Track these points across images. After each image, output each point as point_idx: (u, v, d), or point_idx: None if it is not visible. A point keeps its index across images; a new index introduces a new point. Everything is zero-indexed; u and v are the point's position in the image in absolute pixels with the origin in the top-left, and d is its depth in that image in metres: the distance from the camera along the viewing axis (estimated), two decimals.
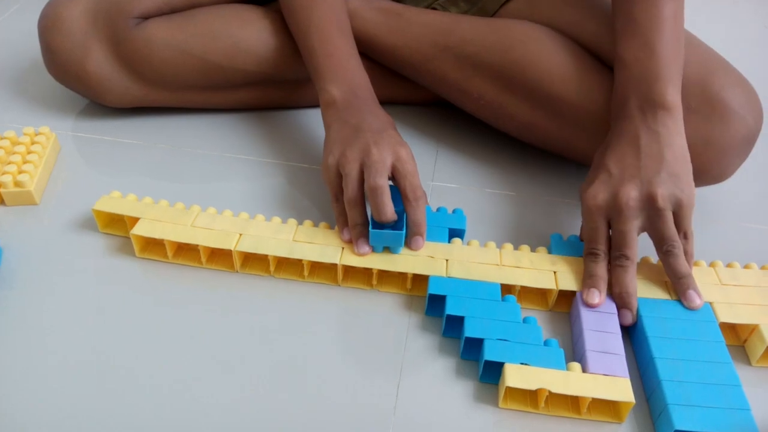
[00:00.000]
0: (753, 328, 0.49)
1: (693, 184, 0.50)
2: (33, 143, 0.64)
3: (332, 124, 0.57)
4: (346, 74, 0.60)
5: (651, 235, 0.51)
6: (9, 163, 0.61)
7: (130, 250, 0.55)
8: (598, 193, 0.51)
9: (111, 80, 0.67)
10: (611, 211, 0.51)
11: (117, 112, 0.72)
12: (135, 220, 0.55)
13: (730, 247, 0.60)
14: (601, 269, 0.50)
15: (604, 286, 0.50)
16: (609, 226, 0.51)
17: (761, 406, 0.44)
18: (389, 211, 0.51)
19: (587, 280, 0.50)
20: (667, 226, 0.49)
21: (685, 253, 0.50)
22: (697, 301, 0.49)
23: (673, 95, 0.51)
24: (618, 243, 0.50)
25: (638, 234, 0.50)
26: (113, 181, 0.63)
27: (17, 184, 0.59)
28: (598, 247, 0.51)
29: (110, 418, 0.43)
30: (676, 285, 0.50)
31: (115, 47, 0.65)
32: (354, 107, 0.57)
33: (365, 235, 0.52)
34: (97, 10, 0.64)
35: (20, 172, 0.60)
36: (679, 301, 0.50)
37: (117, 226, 0.57)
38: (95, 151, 0.68)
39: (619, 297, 0.50)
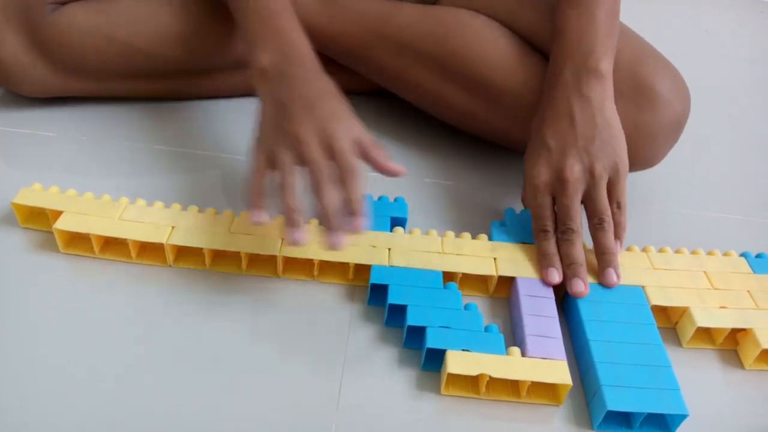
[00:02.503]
0: (683, 311, 0.51)
1: (626, 149, 0.52)
2: None
3: (263, 101, 0.51)
4: (278, 38, 0.52)
5: (586, 206, 0.52)
6: None
7: (53, 245, 0.52)
8: (541, 171, 0.52)
9: (27, 69, 0.63)
10: (556, 187, 0.52)
11: (35, 103, 0.68)
12: (58, 213, 0.52)
13: (661, 232, 0.62)
14: (553, 246, 0.51)
15: (559, 262, 0.51)
16: (554, 201, 0.52)
17: (691, 386, 0.45)
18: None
19: (543, 260, 0.51)
20: (601, 197, 0.51)
21: (617, 224, 0.52)
22: (614, 279, 0.50)
23: (606, 65, 0.52)
24: (563, 217, 0.51)
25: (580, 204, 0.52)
26: (32, 176, 0.59)
27: None
28: (548, 224, 0.52)
29: (36, 418, 0.40)
30: (599, 259, 0.51)
31: (30, 34, 0.61)
32: (286, 76, 0.50)
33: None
34: None
35: None
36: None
37: (38, 220, 0.54)
38: (12, 144, 0.64)
39: (569, 268, 0.50)
